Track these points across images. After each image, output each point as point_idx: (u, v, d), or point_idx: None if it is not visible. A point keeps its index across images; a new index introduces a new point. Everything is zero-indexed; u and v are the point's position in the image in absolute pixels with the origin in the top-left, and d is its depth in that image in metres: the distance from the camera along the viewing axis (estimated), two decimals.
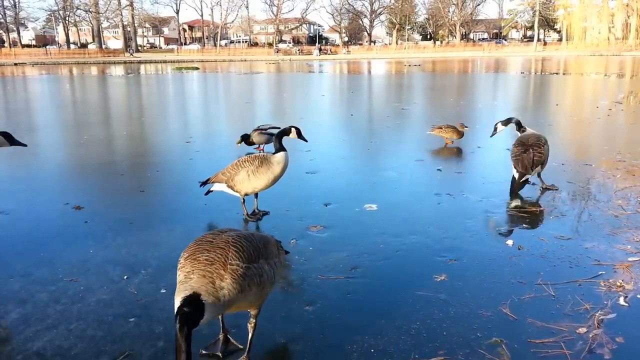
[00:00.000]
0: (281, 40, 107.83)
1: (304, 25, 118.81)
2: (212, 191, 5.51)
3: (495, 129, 6.73)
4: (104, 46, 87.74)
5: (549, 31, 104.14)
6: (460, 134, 9.03)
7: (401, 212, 5.61)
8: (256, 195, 5.49)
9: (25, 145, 4.84)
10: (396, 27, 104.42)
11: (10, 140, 4.67)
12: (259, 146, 9.06)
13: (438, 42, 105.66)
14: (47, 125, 13.44)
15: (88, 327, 3.37)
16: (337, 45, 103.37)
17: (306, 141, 5.59)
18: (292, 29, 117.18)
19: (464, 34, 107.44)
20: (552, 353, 3.02)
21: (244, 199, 5.37)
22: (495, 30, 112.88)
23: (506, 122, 6.63)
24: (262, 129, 8.89)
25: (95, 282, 4.01)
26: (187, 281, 2.53)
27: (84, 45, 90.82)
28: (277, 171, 5.18)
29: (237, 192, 5.28)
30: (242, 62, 64.36)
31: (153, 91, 25.27)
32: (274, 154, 5.22)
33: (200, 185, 5.51)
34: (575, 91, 22.08)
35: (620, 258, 4.28)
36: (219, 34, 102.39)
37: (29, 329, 3.36)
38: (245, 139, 8.79)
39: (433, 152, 8.88)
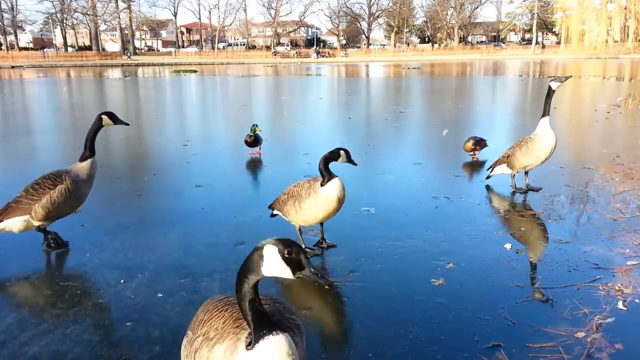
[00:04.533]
0: (279, 43, 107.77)
1: (302, 28, 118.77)
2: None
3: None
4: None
5: (547, 34, 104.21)
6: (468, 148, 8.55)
7: (399, 216, 5.59)
8: (321, 223, 4.69)
9: (128, 124, 5.07)
10: (394, 30, 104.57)
11: (114, 119, 4.87)
12: (254, 150, 8.94)
13: (436, 45, 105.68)
14: (44, 129, 13.42)
15: (84, 332, 3.35)
16: (335, 48, 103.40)
17: (355, 164, 4.51)
18: (290, 31, 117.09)
19: (462, 37, 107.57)
20: (550, 357, 3.00)
21: (299, 230, 4.66)
22: (493, 33, 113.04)
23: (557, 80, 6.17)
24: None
25: (92, 286, 3.99)
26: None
27: (81, 48, 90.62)
28: (326, 206, 4.32)
29: (290, 221, 4.63)
30: (240, 65, 64.39)
31: (150, 94, 25.24)
32: (321, 184, 4.32)
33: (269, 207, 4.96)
34: (573, 94, 22.09)
35: (619, 262, 4.27)
36: (217, 37, 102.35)
37: (25, 333, 3.34)
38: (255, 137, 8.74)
39: (431, 155, 8.87)
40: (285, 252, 1.96)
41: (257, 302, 2.02)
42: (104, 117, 4.81)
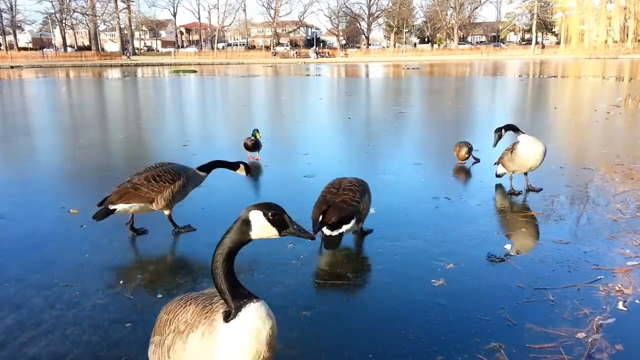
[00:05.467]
0: (279, 44, 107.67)
1: (302, 28, 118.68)
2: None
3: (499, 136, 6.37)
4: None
5: (547, 34, 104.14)
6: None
7: (399, 216, 5.58)
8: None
9: (253, 175, 5.62)
10: (394, 30, 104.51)
11: (247, 170, 5.47)
12: (253, 154, 8.87)
13: (436, 45, 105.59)
14: (43, 129, 13.40)
15: (84, 333, 3.34)
16: (335, 49, 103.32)
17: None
18: (290, 32, 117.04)
19: (462, 37, 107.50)
20: (551, 358, 3.00)
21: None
22: (493, 34, 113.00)
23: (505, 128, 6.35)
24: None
25: (91, 287, 3.98)
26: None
27: (81, 49, 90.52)
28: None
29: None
30: (240, 65, 64.38)
31: (150, 94, 25.23)
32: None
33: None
34: (573, 94, 22.11)
35: (619, 262, 4.26)
36: (216, 37, 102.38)
37: (24, 334, 3.33)
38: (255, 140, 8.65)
39: (431, 155, 8.86)
40: (269, 214, 2.08)
41: (233, 275, 2.07)
42: (242, 165, 5.42)
